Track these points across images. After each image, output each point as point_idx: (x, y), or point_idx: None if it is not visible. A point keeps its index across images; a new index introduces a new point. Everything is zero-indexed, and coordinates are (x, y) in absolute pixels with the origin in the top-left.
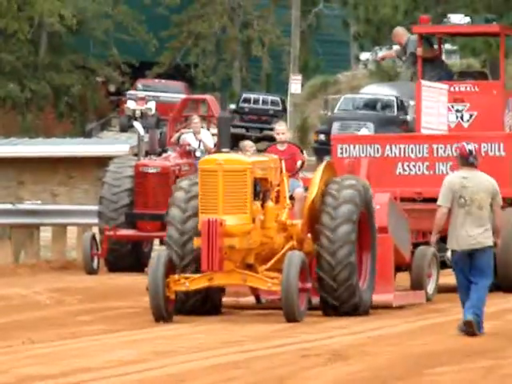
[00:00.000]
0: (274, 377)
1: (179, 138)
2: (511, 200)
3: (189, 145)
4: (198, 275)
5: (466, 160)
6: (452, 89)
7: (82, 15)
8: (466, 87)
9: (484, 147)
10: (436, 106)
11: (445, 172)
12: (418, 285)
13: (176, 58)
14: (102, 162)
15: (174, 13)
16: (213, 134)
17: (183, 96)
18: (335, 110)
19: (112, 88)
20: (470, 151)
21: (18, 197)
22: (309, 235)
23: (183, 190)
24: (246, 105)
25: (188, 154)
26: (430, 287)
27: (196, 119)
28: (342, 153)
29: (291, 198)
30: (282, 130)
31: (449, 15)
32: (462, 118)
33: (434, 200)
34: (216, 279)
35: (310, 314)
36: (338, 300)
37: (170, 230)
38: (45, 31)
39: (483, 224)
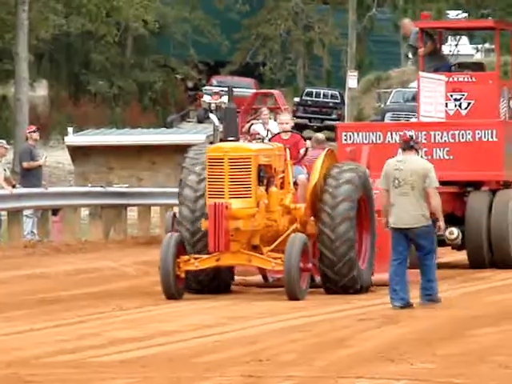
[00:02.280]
0: (335, 338)
1: (250, 128)
2: (504, 182)
3: (258, 134)
4: (207, 256)
5: (408, 144)
6: (451, 79)
7: (164, 20)
8: (463, 78)
9: (478, 134)
10: (434, 96)
11: (442, 157)
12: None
13: (246, 57)
14: (181, 149)
15: (245, 17)
16: (279, 123)
17: (253, 91)
18: (387, 103)
19: (190, 84)
20: (411, 136)
21: (108, 181)
22: (312, 218)
23: (195, 174)
24: (308, 98)
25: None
26: None
27: (265, 111)
28: (346, 139)
29: (295, 183)
30: (286, 120)
31: (447, 12)
32: (460, 106)
33: None
34: (223, 259)
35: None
36: (337, 274)
37: (182, 208)
38: (130, 34)
39: (416, 204)
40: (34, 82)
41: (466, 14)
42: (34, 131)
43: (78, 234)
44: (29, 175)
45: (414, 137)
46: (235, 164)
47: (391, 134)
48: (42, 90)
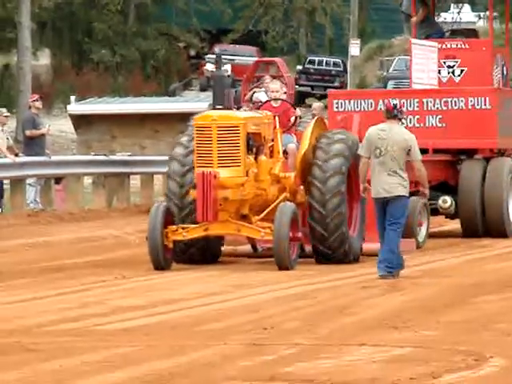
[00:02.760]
0: (338, 305)
1: (252, 96)
2: (498, 150)
3: (260, 102)
4: (195, 226)
5: (391, 113)
6: (444, 46)
7: None
8: (457, 44)
9: (471, 101)
10: (426, 63)
11: (434, 124)
12: (409, 233)
13: (248, 25)
14: (184, 117)
15: None
16: (284, 93)
17: (255, 59)
18: (390, 70)
19: (192, 52)
20: (395, 105)
21: (111, 149)
22: (301, 187)
23: (182, 146)
24: (310, 66)
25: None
26: (421, 235)
27: (267, 79)
28: (337, 107)
29: (285, 152)
30: (276, 88)
31: None
32: (453, 73)
33: (425, 151)
34: (211, 229)
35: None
36: (329, 248)
37: (169, 183)
38: (133, 2)
39: (396, 174)
40: (37, 50)
41: None
42: (37, 100)
43: (81, 203)
44: (32, 144)
45: (398, 106)
46: (223, 132)
47: (383, 102)
48: (44, 58)
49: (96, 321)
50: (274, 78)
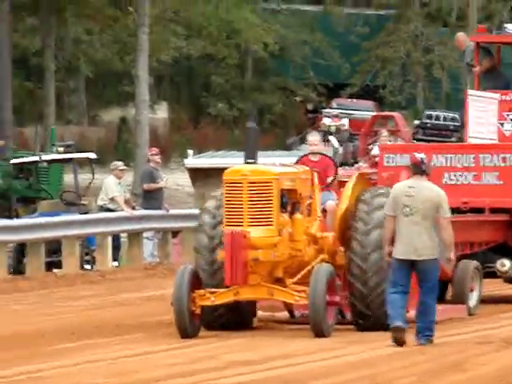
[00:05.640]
0: (453, 361)
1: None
2: None
3: (377, 156)
4: (224, 290)
5: (419, 168)
6: (508, 98)
7: (283, 42)
8: None
9: None
10: (485, 116)
11: (491, 182)
12: (459, 299)
13: (366, 79)
14: None
15: (365, 40)
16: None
17: (373, 113)
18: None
19: (310, 106)
20: (422, 159)
21: None
22: (341, 248)
23: (215, 199)
24: (428, 121)
25: (377, 164)
26: (473, 301)
27: (385, 133)
28: (388, 162)
29: (324, 210)
30: (315, 141)
31: (505, 24)
32: None
33: (481, 211)
34: (242, 293)
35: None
36: (368, 308)
37: (199, 236)
38: (250, 57)
39: (427, 234)
40: (155, 104)
41: None
42: (157, 154)
43: None
44: (150, 197)
45: (425, 160)
46: (255, 189)
47: (436, 157)
48: (162, 112)
49: (210, 376)
50: (392, 132)
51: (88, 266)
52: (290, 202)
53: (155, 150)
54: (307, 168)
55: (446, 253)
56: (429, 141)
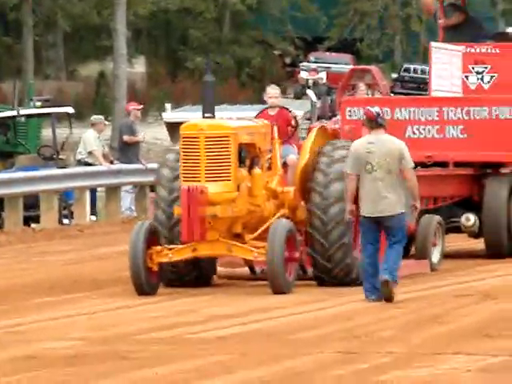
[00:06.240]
0: (431, 314)
1: None
2: None
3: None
4: (181, 246)
5: (375, 121)
6: (473, 50)
7: None
8: (486, 49)
9: (495, 110)
10: (449, 69)
11: (455, 136)
12: (422, 254)
13: (344, 33)
14: None
15: None
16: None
17: (351, 67)
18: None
19: (287, 60)
20: (377, 113)
21: None
22: (302, 203)
23: (174, 152)
24: (406, 74)
25: None
26: (435, 256)
27: (362, 87)
28: (350, 115)
29: (284, 164)
30: (275, 94)
31: None
32: (482, 80)
33: (445, 165)
34: (200, 250)
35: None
36: (329, 261)
37: (159, 189)
38: (228, 10)
39: (393, 189)
40: (132, 58)
41: None
42: (139, 109)
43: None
44: (127, 151)
45: (381, 113)
46: (212, 143)
47: (400, 110)
48: (140, 66)
49: (190, 329)
50: (369, 86)
51: (66, 221)
52: (248, 156)
53: (139, 105)
54: (266, 122)
55: (411, 201)
56: (406, 94)
